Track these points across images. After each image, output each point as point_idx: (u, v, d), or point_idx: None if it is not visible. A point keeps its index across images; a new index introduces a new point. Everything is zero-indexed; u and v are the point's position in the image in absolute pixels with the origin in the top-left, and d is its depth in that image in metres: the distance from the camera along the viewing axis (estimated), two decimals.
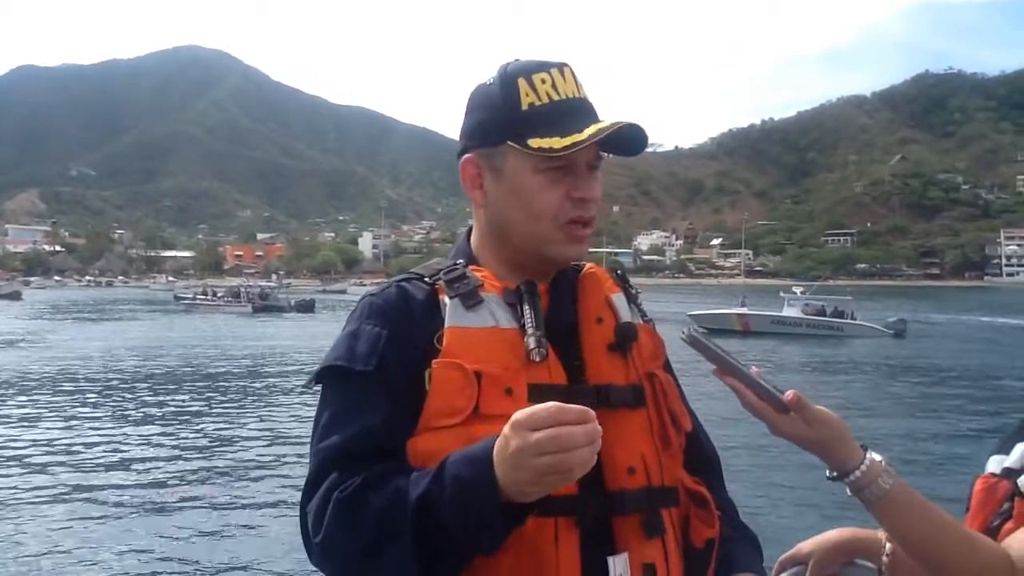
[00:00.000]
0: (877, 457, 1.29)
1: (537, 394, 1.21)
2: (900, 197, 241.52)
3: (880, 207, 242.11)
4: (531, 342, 1.22)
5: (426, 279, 1.35)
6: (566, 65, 1.36)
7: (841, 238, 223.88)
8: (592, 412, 1.06)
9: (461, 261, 1.39)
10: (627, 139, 1.32)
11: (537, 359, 1.21)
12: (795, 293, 45.58)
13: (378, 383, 1.24)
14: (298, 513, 1.26)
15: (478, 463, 1.10)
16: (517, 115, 1.31)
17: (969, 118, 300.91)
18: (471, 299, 1.29)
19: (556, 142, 1.27)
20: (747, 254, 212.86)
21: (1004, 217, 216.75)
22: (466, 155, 1.39)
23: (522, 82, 1.33)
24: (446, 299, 1.30)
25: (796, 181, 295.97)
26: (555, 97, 1.32)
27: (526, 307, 1.27)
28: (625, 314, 1.39)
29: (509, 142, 1.31)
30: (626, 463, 1.28)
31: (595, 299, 1.38)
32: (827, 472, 1.32)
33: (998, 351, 34.95)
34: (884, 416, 18.44)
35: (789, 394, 1.28)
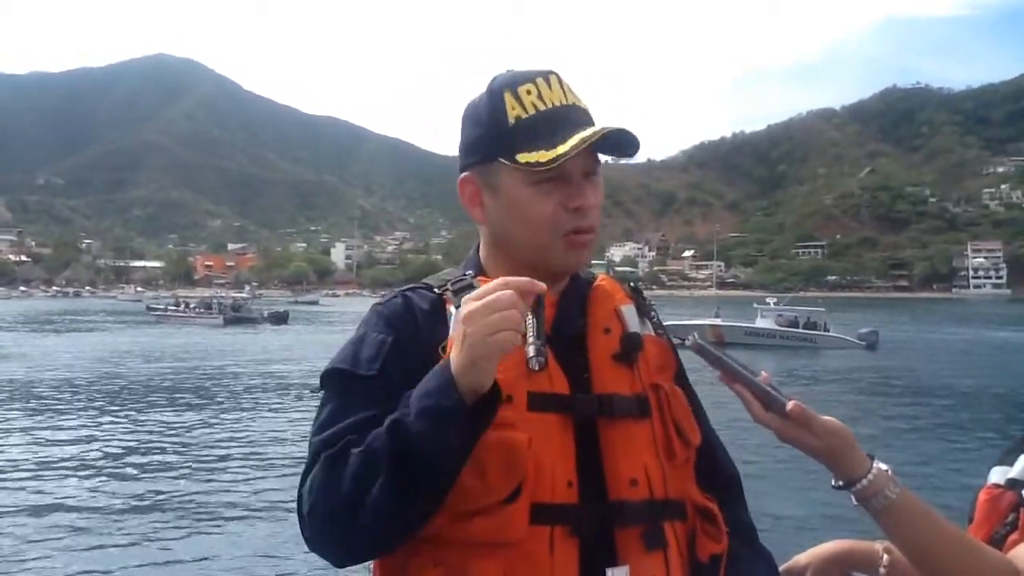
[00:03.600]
0: (883, 466, 1.28)
1: (536, 402, 1.24)
2: (869, 210, 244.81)
3: (849, 219, 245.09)
4: (530, 350, 1.20)
5: (435, 289, 1.37)
6: (552, 72, 1.36)
7: (811, 250, 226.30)
8: (541, 285, 1.16)
9: (470, 272, 1.40)
10: (619, 141, 1.32)
11: (536, 367, 1.19)
12: (769, 304, 45.80)
13: (380, 388, 1.25)
14: (293, 513, 1.25)
15: (437, 372, 1.16)
16: (504, 130, 1.32)
17: (936, 132, 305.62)
18: None
19: (542, 155, 1.27)
20: (719, 266, 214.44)
21: (970, 230, 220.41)
22: (463, 174, 1.40)
23: (508, 95, 1.33)
24: (452, 309, 1.30)
25: (767, 193, 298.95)
26: (541, 107, 1.32)
27: (529, 316, 1.24)
28: (634, 325, 1.39)
29: (500, 159, 1.32)
30: (628, 474, 1.27)
31: (604, 310, 1.39)
32: (832, 481, 1.30)
33: (968, 362, 35.29)
34: (861, 427, 18.48)
35: (790, 405, 1.26)
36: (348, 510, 1.15)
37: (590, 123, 1.33)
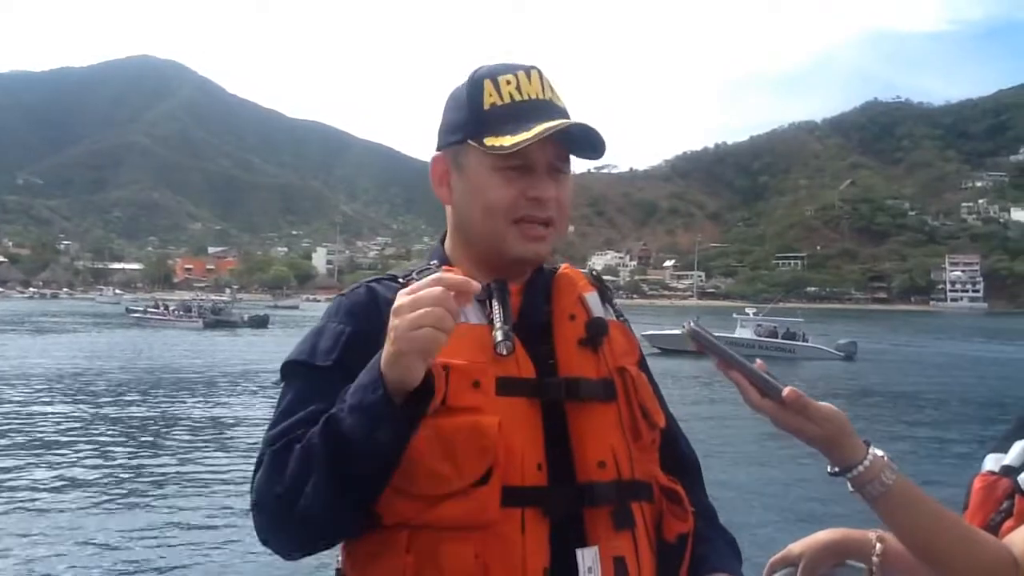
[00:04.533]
0: (880, 452, 1.28)
1: (505, 387, 1.24)
2: (849, 222, 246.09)
3: (830, 231, 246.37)
4: (498, 335, 1.23)
5: (399, 279, 1.37)
6: (534, 68, 1.39)
7: (792, 261, 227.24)
8: (475, 284, 1.16)
9: (435, 262, 1.40)
10: (586, 141, 1.35)
11: (503, 352, 1.22)
12: (748, 314, 46.04)
13: (335, 377, 1.25)
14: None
15: (368, 367, 1.16)
16: (478, 115, 1.35)
17: (916, 146, 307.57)
18: None
19: (507, 140, 1.30)
20: (700, 276, 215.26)
21: (949, 243, 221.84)
22: (436, 153, 1.43)
23: (487, 83, 1.36)
24: None
25: (748, 204, 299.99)
26: (517, 98, 1.35)
27: (494, 303, 1.29)
28: (598, 311, 1.41)
29: (469, 140, 1.35)
30: (596, 456, 1.28)
31: (568, 297, 1.40)
32: (828, 467, 1.30)
33: (945, 374, 35.62)
34: None
35: (787, 391, 1.25)
36: (286, 504, 1.16)
37: (561, 119, 1.34)
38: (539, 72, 1.38)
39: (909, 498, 1.26)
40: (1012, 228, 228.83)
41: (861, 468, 1.25)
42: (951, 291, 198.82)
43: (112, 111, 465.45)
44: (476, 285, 1.15)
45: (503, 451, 1.20)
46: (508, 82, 1.36)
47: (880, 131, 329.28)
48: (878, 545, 1.48)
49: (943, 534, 1.26)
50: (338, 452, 1.13)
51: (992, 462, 1.47)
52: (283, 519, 1.18)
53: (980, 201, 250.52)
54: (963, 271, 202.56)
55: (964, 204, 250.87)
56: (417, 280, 1.27)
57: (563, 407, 1.29)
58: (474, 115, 1.36)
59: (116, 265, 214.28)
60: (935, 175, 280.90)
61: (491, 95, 1.35)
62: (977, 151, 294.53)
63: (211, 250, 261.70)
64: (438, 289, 1.11)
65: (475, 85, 1.38)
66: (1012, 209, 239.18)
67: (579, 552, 1.24)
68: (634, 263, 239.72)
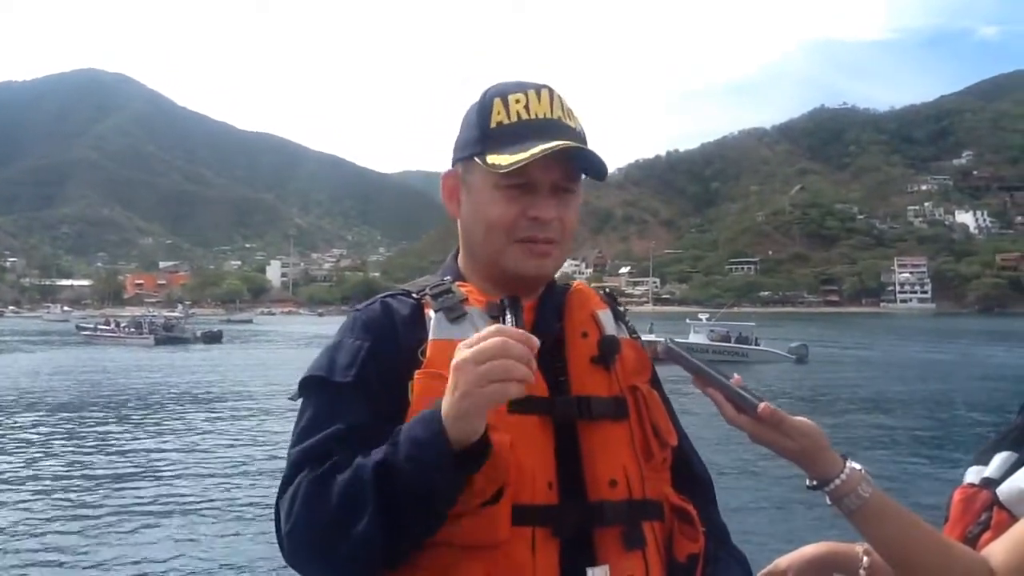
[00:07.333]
0: (857, 466, 1.29)
1: (517, 405, 1.21)
2: (800, 226, 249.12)
3: (781, 236, 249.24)
4: None
5: (413, 294, 1.38)
6: (545, 87, 1.39)
7: (744, 266, 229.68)
8: (535, 339, 1.13)
9: (448, 277, 1.41)
10: (586, 160, 1.36)
11: None
12: (701, 320, 46.54)
13: (356, 393, 1.27)
14: (271, 517, 1.28)
15: (427, 420, 1.14)
16: (485, 132, 1.36)
17: (863, 151, 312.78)
18: (455, 312, 1.31)
19: (504, 159, 1.31)
20: (655, 282, 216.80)
21: (897, 246, 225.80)
22: (448, 169, 1.45)
23: (497, 101, 1.37)
24: (431, 313, 1.32)
25: (701, 211, 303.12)
26: (524, 117, 1.35)
27: (508, 318, 1.27)
28: (611, 329, 1.41)
29: (475, 158, 1.36)
30: (607, 475, 1.29)
31: (581, 314, 1.40)
32: (807, 481, 1.31)
33: (893, 374, 36.39)
34: None
35: (761, 407, 1.26)
36: (330, 540, 1.16)
37: (571, 139, 1.35)
38: (550, 91, 1.39)
39: (885, 510, 1.27)
40: (957, 230, 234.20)
41: (838, 482, 1.27)
42: (900, 293, 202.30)
43: (58, 126, 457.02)
44: (536, 340, 1.13)
45: (514, 469, 1.19)
46: (518, 100, 1.36)
47: (828, 137, 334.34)
48: (865, 559, 1.49)
49: (918, 546, 1.27)
50: (393, 503, 1.13)
51: (973, 474, 1.48)
52: (326, 554, 1.17)
53: (926, 204, 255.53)
54: (911, 273, 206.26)
55: (910, 207, 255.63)
56: (431, 295, 1.34)
57: (575, 426, 1.29)
58: (481, 133, 1.37)
59: (64, 282, 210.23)
60: (881, 179, 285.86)
61: (499, 113, 1.36)
62: (921, 156, 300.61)
63: (162, 265, 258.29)
64: (499, 339, 1.10)
65: (485, 103, 1.39)
66: (956, 212, 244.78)
67: (589, 571, 1.24)
68: (590, 270, 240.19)
